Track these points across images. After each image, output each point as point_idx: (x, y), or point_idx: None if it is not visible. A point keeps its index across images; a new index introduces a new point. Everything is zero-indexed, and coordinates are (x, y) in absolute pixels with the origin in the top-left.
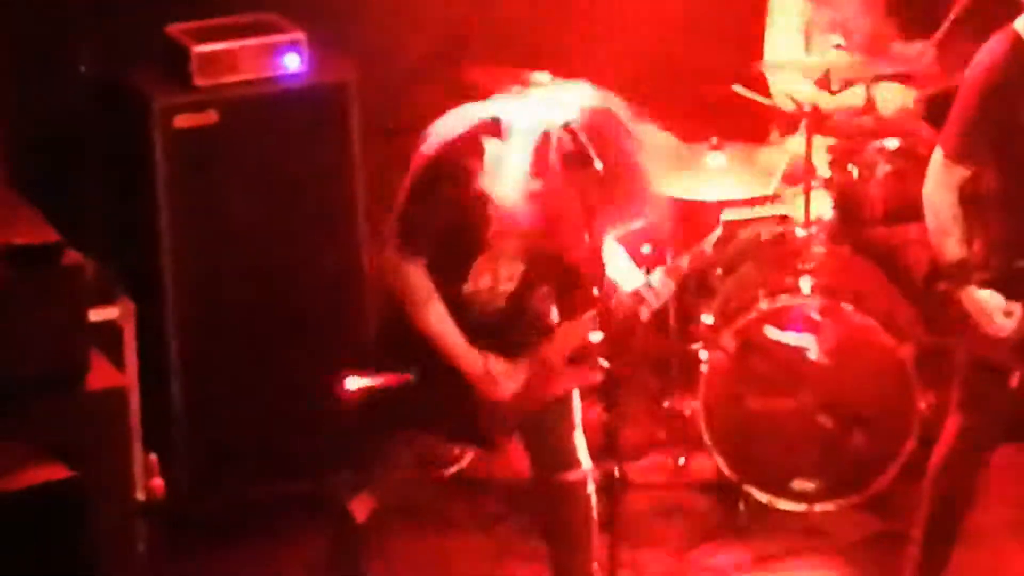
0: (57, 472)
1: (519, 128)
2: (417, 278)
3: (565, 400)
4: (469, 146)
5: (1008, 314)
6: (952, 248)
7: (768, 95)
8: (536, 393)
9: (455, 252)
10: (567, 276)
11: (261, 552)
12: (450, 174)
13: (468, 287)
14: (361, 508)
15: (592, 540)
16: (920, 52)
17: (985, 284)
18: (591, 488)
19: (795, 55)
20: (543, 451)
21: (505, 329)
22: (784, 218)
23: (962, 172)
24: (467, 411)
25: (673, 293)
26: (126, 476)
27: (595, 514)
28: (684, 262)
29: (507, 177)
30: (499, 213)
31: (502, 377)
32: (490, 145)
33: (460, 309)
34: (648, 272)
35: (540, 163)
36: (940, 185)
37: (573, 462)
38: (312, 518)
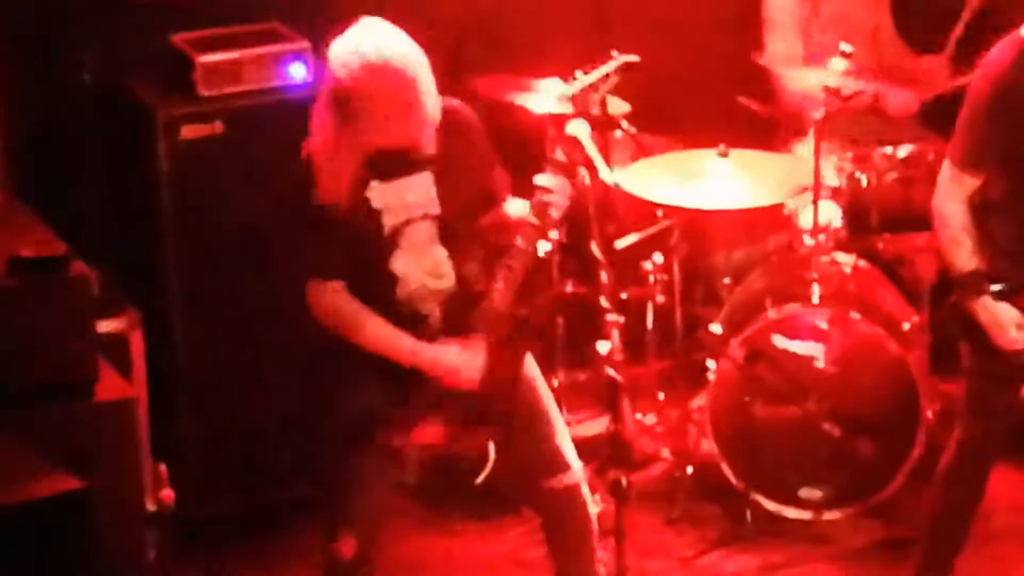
0: (66, 482)
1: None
2: (343, 302)
3: (540, 401)
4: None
5: (1021, 327)
6: (964, 259)
7: (778, 97)
8: (504, 359)
9: (367, 260)
10: (485, 240)
11: (270, 561)
12: (323, 185)
13: (401, 290)
14: (347, 546)
15: (592, 541)
16: (934, 68)
17: (998, 296)
18: (585, 490)
19: (790, 52)
20: (530, 460)
21: (455, 318)
22: (629, 64)
23: (971, 181)
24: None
25: (569, 194)
26: (135, 486)
27: (593, 515)
28: (559, 155)
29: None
30: (386, 202)
31: (463, 362)
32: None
33: (402, 317)
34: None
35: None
36: (950, 195)
37: (562, 466)
38: (320, 525)
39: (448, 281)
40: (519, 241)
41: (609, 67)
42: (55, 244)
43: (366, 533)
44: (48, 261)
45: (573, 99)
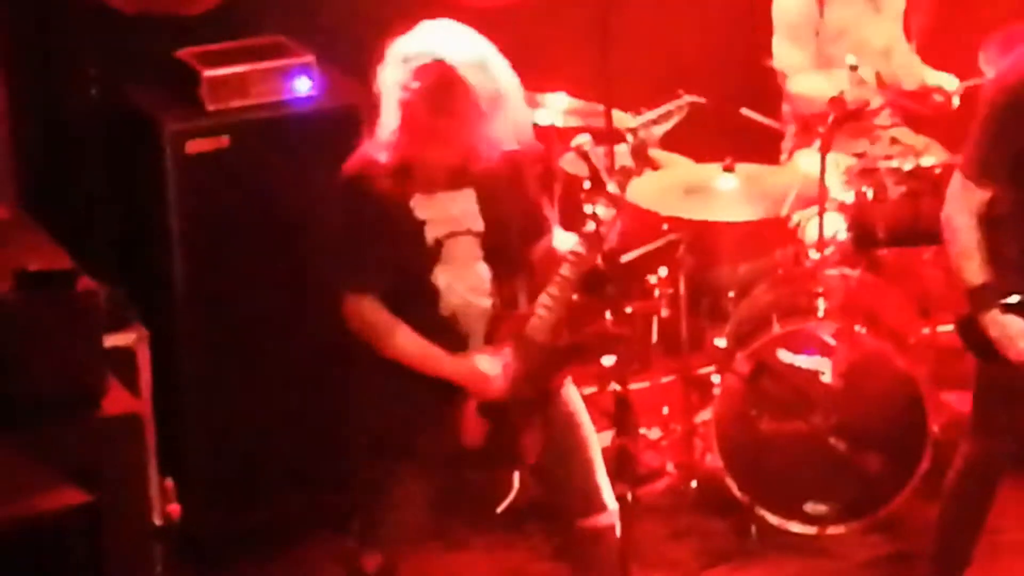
0: (74, 497)
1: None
2: (375, 314)
3: (582, 437)
4: (360, 161)
5: None
6: (974, 272)
7: (780, 105)
8: (533, 375)
9: (409, 274)
10: (527, 260)
11: (277, 575)
12: (359, 198)
13: (444, 308)
14: (371, 562)
15: None
16: (951, 90)
17: (1012, 309)
18: (618, 531)
19: (803, 59)
20: (565, 494)
21: (496, 339)
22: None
23: (982, 193)
24: (486, 436)
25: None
26: (142, 500)
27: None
28: (612, 187)
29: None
30: (430, 213)
31: (491, 371)
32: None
33: (446, 333)
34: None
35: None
36: (960, 208)
37: (599, 506)
38: (328, 540)
39: (490, 300)
40: (564, 269)
41: (675, 104)
42: (62, 259)
43: (392, 549)
44: (56, 276)
45: (634, 132)
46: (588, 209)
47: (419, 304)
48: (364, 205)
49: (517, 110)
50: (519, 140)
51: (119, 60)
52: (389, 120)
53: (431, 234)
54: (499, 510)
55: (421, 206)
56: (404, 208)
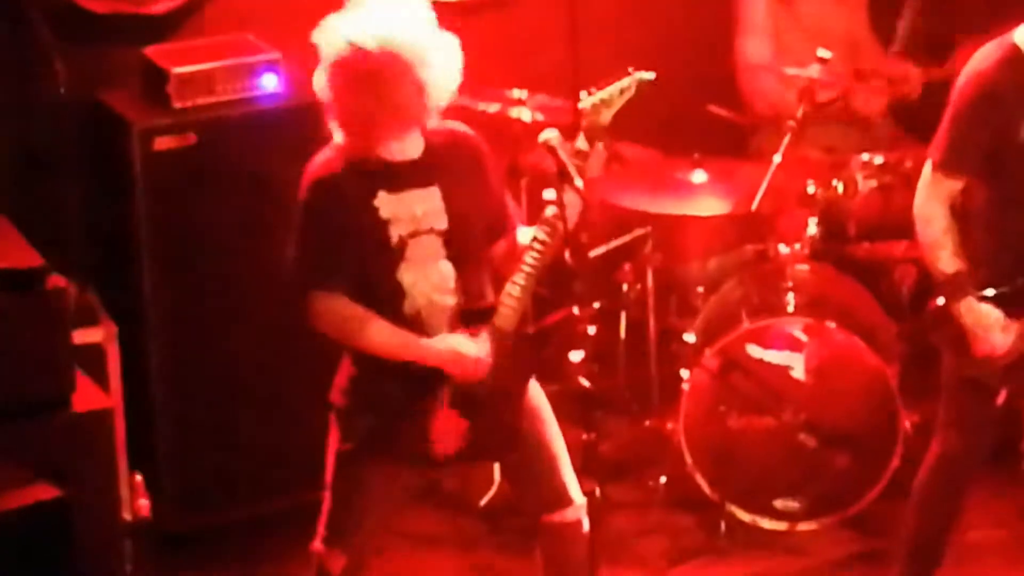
0: (44, 493)
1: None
2: (346, 309)
3: (547, 434)
4: (325, 161)
5: (1005, 329)
6: (946, 262)
7: (747, 102)
8: (507, 365)
9: (373, 274)
10: (491, 257)
11: (247, 571)
12: (322, 199)
13: (409, 307)
14: (336, 564)
15: (588, 574)
16: (908, 70)
17: (988, 300)
18: (586, 525)
19: (762, 54)
20: (532, 490)
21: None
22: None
23: (953, 184)
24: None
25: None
26: (112, 496)
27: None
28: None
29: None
30: (393, 212)
31: (469, 350)
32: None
33: (412, 331)
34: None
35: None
36: (931, 198)
37: (565, 501)
38: (297, 538)
39: (454, 298)
40: (528, 258)
41: (624, 82)
42: (31, 256)
43: (359, 550)
44: (24, 273)
45: (585, 113)
46: (550, 195)
47: (384, 303)
48: (328, 205)
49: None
50: (463, 132)
51: (88, 59)
52: (333, 115)
53: (395, 232)
54: (482, 503)
55: (385, 205)
56: (368, 207)
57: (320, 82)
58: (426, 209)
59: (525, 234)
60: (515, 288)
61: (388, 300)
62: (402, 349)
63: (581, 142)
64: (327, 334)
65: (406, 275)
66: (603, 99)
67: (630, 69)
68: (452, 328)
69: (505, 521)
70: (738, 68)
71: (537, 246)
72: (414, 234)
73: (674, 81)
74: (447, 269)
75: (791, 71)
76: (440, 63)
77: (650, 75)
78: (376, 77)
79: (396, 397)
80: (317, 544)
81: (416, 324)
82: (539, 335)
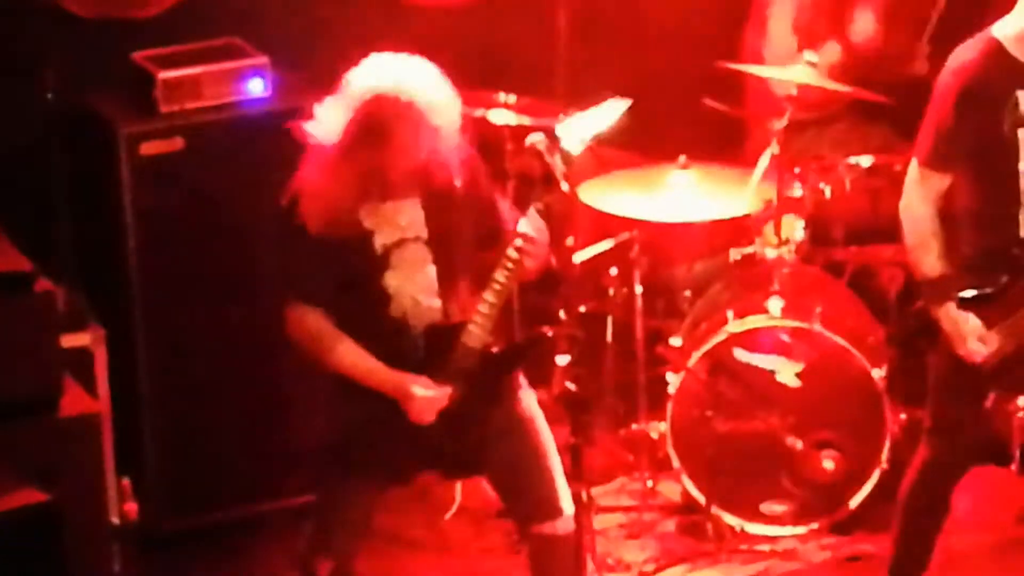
0: (32, 496)
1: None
2: (317, 326)
3: (538, 444)
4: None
5: (982, 339)
6: (931, 264)
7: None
8: (477, 382)
9: (359, 279)
10: (481, 263)
11: (234, 574)
12: (317, 207)
13: (395, 309)
14: (323, 568)
15: None
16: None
17: (967, 302)
18: (575, 536)
19: (788, 51)
20: (522, 501)
21: (439, 351)
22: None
23: (939, 181)
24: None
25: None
26: (100, 500)
27: (580, 556)
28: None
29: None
30: (377, 222)
31: (424, 398)
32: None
33: (397, 333)
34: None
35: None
36: (918, 198)
37: (555, 512)
38: (284, 541)
39: (439, 301)
40: (498, 275)
41: (603, 119)
42: (19, 260)
43: (345, 555)
44: (13, 277)
45: (560, 136)
46: (521, 226)
47: (370, 306)
48: (310, 219)
49: (452, 130)
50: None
51: (75, 63)
52: (334, 144)
53: (379, 241)
54: (446, 517)
55: (368, 216)
56: (352, 219)
57: (334, 127)
58: (409, 218)
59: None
60: (483, 306)
61: (374, 304)
62: (366, 375)
63: (539, 141)
64: (299, 345)
65: (392, 280)
66: (583, 140)
67: (606, 93)
68: (428, 342)
69: (490, 524)
70: (743, 60)
71: (508, 265)
72: (400, 243)
73: (664, 79)
74: (433, 273)
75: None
76: (447, 114)
77: (626, 102)
78: (396, 124)
79: (368, 413)
80: (304, 550)
81: (402, 326)
82: (507, 354)
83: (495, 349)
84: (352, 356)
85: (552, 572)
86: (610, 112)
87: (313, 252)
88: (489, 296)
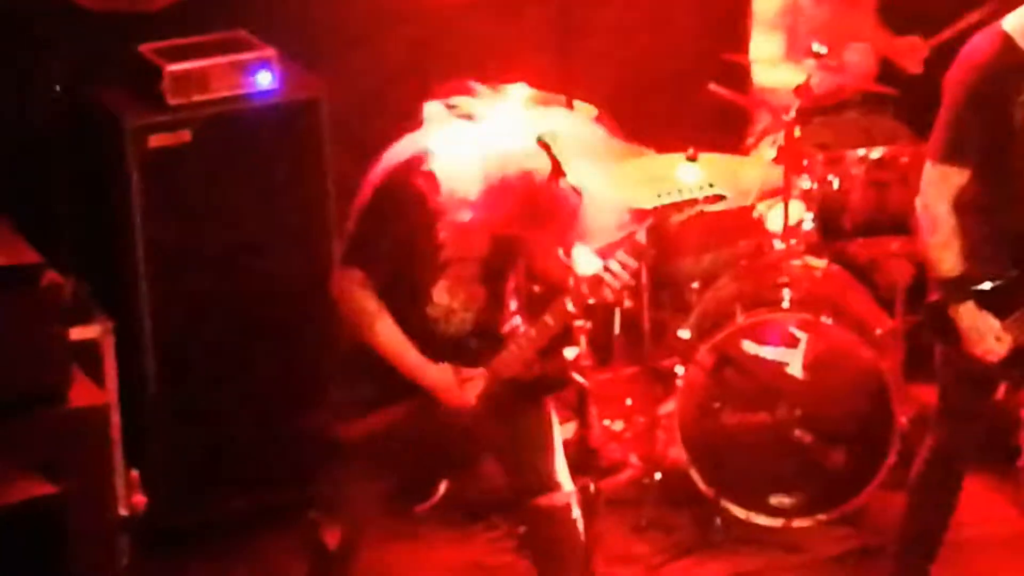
0: (40, 488)
1: (474, 150)
2: (365, 299)
3: (542, 422)
4: (417, 172)
5: (999, 339)
6: (950, 264)
7: (747, 91)
8: (499, 398)
9: (411, 278)
10: (531, 289)
11: (243, 566)
12: (398, 200)
13: (431, 310)
14: (332, 536)
15: (580, 563)
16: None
17: (984, 296)
18: (576, 512)
19: (773, 51)
20: (522, 475)
21: (469, 347)
22: (718, 197)
23: (958, 175)
24: (434, 437)
25: (635, 274)
26: (108, 492)
27: (582, 536)
28: (641, 235)
29: (461, 199)
30: (452, 238)
31: (461, 384)
32: (444, 168)
33: (424, 330)
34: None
35: (495, 187)
36: (937, 196)
37: (553, 485)
38: (292, 532)
39: (475, 316)
40: (548, 318)
41: (693, 196)
42: (28, 253)
43: (351, 525)
44: (21, 270)
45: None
46: (612, 263)
47: (410, 301)
48: (400, 205)
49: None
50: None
51: (83, 56)
52: (468, 183)
53: (444, 255)
54: (418, 509)
55: (444, 227)
56: (431, 226)
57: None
58: (474, 237)
59: (584, 262)
60: (524, 340)
61: (414, 300)
62: (401, 355)
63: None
64: (341, 310)
65: (439, 288)
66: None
67: (710, 184)
68: (458, 341)
69: (496, 518)
70: (736, 67)
71: (577, 296)
72: (461, 258)
73: (674, 71)
74: (478, 292)
75: (793, 71)
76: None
77: (725, 194)
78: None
79: (374, 392)
80: (313, 513)
81: (432, 325)
82: (534, 383)
83: (526, 378)
84: (392, 336)
85: (552, 545)
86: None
87: (389, 229)
88: (532, 333)
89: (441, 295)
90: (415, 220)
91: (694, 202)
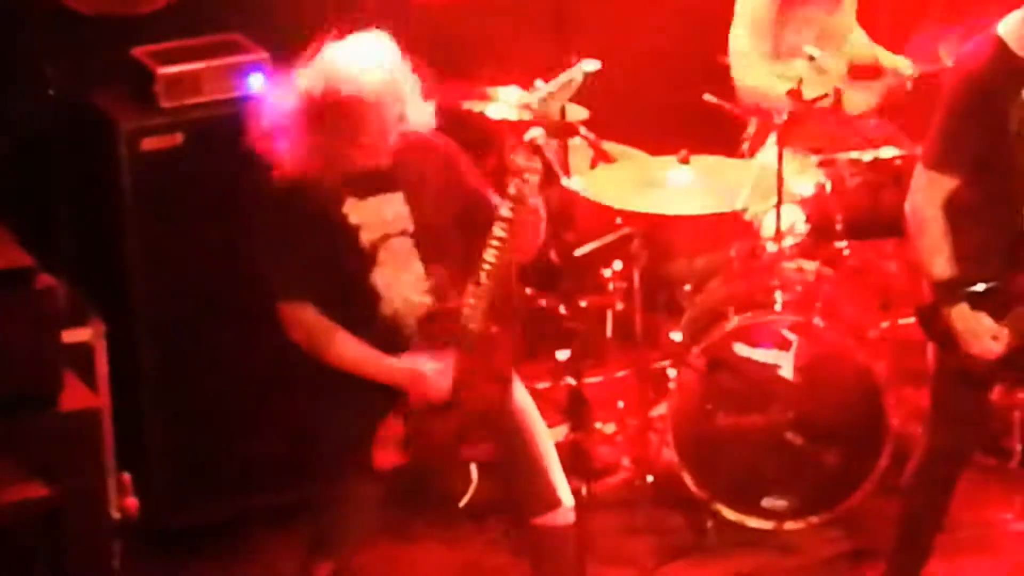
0: (32, 491)
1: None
2: (312, 319)
3: (533, 436)
4: (267, 171)
5: (995, 338)
6: (942, 267)
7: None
8: (481, 365)
9: (347, 275)
10: (462, 244)
11: (235, 569)
12: (295, 202)
13: (384, 306)
14: (322, 570)
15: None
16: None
17: (977, 297)
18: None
19: (758, 52)
20: (520, 494)
21: (434, 332)
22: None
23: (949, 182)
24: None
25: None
26: (100, 495)
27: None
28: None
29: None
30: (362, 217)
31: (431, 373)
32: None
33: (387, 329)
34: None
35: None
36: (928, 200)
37: (554, 503)
38: (285, 535)
39: (429, 297)
40: (488, 256)
41: (570, 74)
42: (21, 256)
43: (344, 558)
44: (14, 273)
45: (533, 107)
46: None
47: (360, 306)
48: (295, 215)
49: (416, 112)
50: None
51: (76, 60)
52: (298, 141)
53: (365, 237)
54: (461, 504)
55: (353, 211)
56: (337, 214)
57: (290, 113)
58: (395, 212)
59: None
60: (476, 287)
61: (364, 303)
62: (363, 364)
63: (538, 135)
64: (300, 344)
65: (380, 278)
66: (550, 92)
67: (574, 59)
68: (421, 328)
69: (492, 519)
70: (730, 58)
71: (495, 243)
72: (385, 238)
73: (664, 74)
74: (420, 270)
75: (776, 72)
76: (411, 99)
77: (595, 64)
78: (350, 116)
79: (353, 410)
80: (303, 551)
81: (394, 325)
82: (508, 329)
83: (494, 330)
84: (352, 349)
85: (553, 564)
86: (578, 74)
87: (300, 249)
88: (481, 277)
89: (383, 282)
90: (315, 214)
91: (568, 83)
